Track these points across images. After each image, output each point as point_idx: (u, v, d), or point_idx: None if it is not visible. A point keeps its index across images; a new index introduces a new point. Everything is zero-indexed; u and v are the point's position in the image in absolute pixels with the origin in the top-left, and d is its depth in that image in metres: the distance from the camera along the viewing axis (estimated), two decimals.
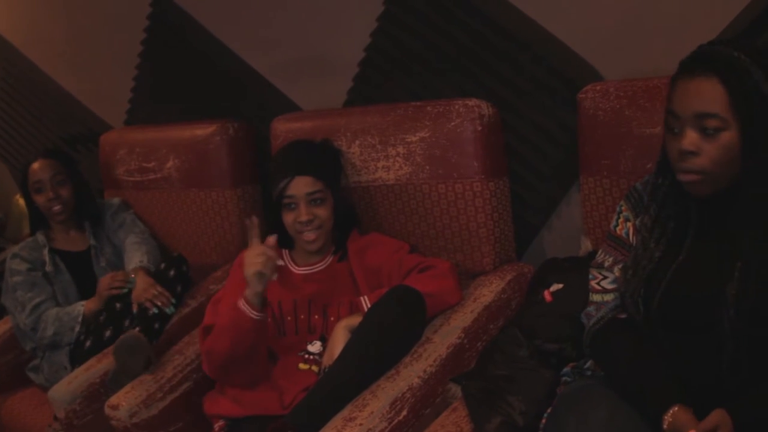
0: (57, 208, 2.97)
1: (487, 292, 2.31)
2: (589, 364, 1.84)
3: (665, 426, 1.51)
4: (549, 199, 2.48)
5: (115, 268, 3.01)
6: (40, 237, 3.02)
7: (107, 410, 2.33)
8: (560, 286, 2.09)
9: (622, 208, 1.81)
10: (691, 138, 1.54)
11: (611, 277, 1.78)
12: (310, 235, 2.31)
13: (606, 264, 1.81)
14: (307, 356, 2.29)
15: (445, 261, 2.36)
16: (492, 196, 2.35)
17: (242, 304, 2.13)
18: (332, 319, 2.31)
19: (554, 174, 2.43)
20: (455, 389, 2.05)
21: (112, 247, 3.09)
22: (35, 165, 2.96)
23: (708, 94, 1.52)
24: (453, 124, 2.34)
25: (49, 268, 2.94)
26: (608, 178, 2.13)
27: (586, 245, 2.23)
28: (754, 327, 1.51)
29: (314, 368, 2.25)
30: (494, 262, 2.41)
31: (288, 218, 2.32)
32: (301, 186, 2.28)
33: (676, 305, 1.62)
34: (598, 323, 1.77)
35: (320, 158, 2.42)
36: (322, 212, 2.32)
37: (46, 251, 2.97)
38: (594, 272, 1.83)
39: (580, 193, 2.22)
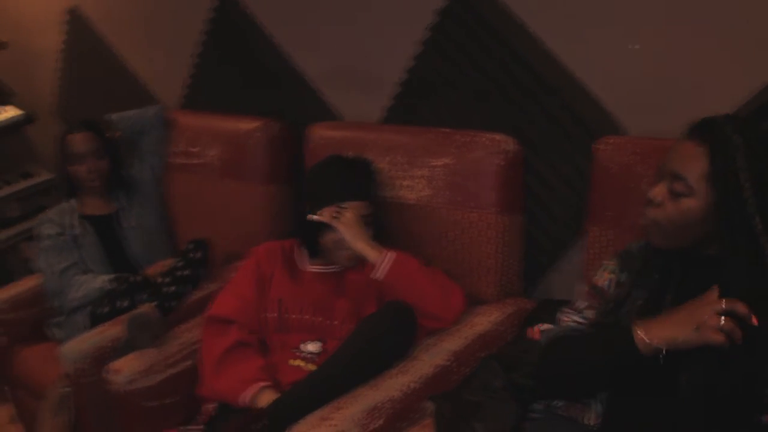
0: (95, 182, 3.12)
1: (485, 321, 2.37)
2: (561, 404, 1.89)
3: (636, 338, 1.54)
4: (560, 242, 2.53)
5: (145, 228, 3.21)
6: (71, 202, 3.16)
7: (108, 373, 2.43)
8: (549, 326, 2.14)
9: (611, 262, 1.86)
10: (659, 190, 1.63)
11: (580, 317, 1.84)
12: (352, 255, 2.39)
13: (580, 307, 1.87)
14: (303, 354, 2.35)
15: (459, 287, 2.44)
16: (503, 230, 2.42)
17: (249, 395, 2.22)
18: (335, 323, 2.38)
19: (568, 219, 2.48)
20: (432, 407, 2.11)
21: (139, 207, 3.26)
22: (75, 137, 3.09)
23: (688, 160, 1.57)
24: (476, 155, 2.41)
25: (77, 231, 3.06)
26: (612, 229, 2.18)
27: (582, 291, 2.27)
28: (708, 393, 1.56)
29: (309, 366, 2.31)
30: (497, 294, 2.48)
31: (333, 236, 2.39)
32: (356, 210, 2.38)
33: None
34: (555, 335, 1.84)
35: (368, 180, 2.51)
36: (369, 232, 2.40)
37: (75, 216, 3.10)
38: (566, 310, 1.88)
39: (584, 239, 2.28)
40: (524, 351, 2.10)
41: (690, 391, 1.56)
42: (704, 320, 1.46)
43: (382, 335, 2.19)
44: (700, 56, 2.08)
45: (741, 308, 1.44)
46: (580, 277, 2.32)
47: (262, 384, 2.23)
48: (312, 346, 2.37)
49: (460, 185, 2.45)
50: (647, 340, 1.53)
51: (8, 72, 4.19)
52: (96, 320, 2.78)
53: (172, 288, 2.71)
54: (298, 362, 2.34)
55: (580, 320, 1.83)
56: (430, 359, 2.21)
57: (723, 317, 1.44)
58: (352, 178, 2.47)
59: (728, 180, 1.53)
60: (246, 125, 3.07)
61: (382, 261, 2.29)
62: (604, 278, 1.84)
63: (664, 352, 1.51)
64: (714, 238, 1.59)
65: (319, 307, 2.42)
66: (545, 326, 2.15)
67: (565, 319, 1.87)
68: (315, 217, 2.35)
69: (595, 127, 2.31)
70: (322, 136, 2.82)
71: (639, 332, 1.54)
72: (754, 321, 1.43)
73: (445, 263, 2.49)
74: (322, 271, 2.51)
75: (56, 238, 3.05)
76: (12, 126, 3.96)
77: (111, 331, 2.66)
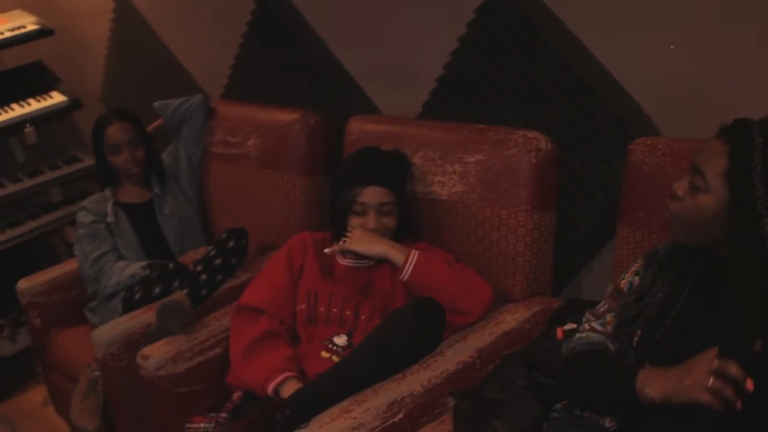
0: (135, 170, 3.15)
1: (511, 319, 2.36)
2: None
3: (637, 386, 1.56)
4: (593, 243, 2.51)
5: (180, 216, 3.25)
6: (107, 191, 3.20)
7: (139, 359, 2.46)
8: (574, 326, 2.12)
9: (637, 263, 1.85)
10: (682, 183, 1.63)
11: (600, 321, 1.83)
12: None
13: (600, 310, 1.85)
14: (331, 346, 2.36)
15: (487, 283, 2.43)
16: (534, 229, 2.40)
17: (273, 384, 2.23)
18: (363, 317, 2.39)
19: (601, 219, 2.45)
20: (452, 403, 2.11)
21: (175, 195, 3.30)
22: (112, 128, 3.11)
23: (710, 156, 1.57)
24: (510, 152, 2.39)
25: (110, 219, 3.09)
26: (641, 231, 2.16)
27: (607, 293, 2.26)
28: None
29: (335, 359, 2.32)
30: (525, 292, 2.46)
31: (355, 222, 2.42)
32: (375, 195, 2.40)
33: (667, 350, 1.66)
34: (574, 349, 1.82)
35: (396, 171, 2.52)
36: (390, 222, 2.43)
37: (110, 204, 3.13)
38: (588, 316, 1.87)
39: (615, 240, 2.26)
40: (548, 350, 2.09)
41: None
42: (695, 378, 1.46)
43: (407, 330, 2.18)
44: (739, 58, 2.05)
45: (734, 370, 1.42)
46: (610, 278, 2.31)
47: (287, 374, 2.24)
48: (338, 339, 2.38)
49: (493, 182, 2.44)
50: (644, 390, 1.55)
51: (55, 58, 4.25)
52: (128, 306, 2.82)
53: (205, 276, 2.73)
54: (328, 354, 2.35)
55: (599, 328, 1.82)
56: (453, 355, 2.21)
57: (712, 377, 1.43)
58: (375, 164, 2.49)
59: (742, 179, 1.52)
60: (285, 116, 3.08)
61: (407, 262, 2.30)
62: (626, 280, 1.83)
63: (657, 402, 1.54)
64: (726, 239, 1.57)
65: (348, 300, 2.43)
66: (569, 326, 2.14)
67: (586, 326, 1.86)
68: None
69: (632, 128, 2.29)
70: (361, 129, 2.83)
71: (640, 378, 1.56)
72: (749, 385, 1.42)
73: (475, 260, 2.48)
74: (353, 265, 2.51)
75: (91, 226, 3.08)
76: (56, 112, 4.00)
77: (142, 317, 2.70)
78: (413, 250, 2.32)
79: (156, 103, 3.35)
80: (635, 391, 1.56)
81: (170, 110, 3.32)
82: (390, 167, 2.50)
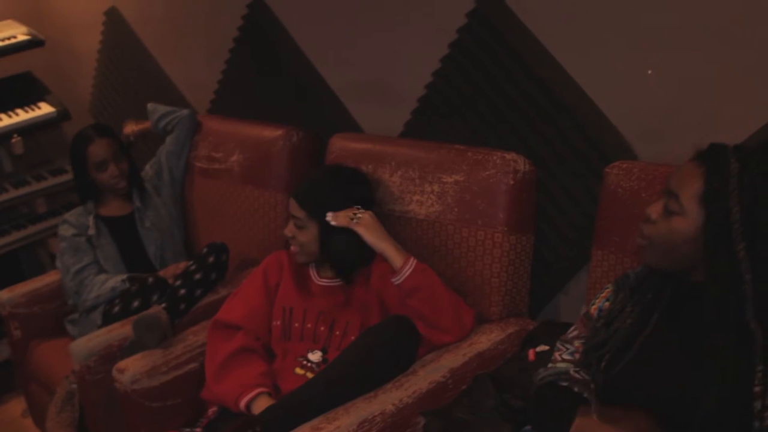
0: (122, 184, 3.15)
1: (485, 339, 2.36)
2: None
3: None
4: (570, 264, 2.51)
5: (161, 229, 3.24)
6: (89, 204, 3.19)
7: (114, 372, 2.45)
8: (546, 348, 2.13)
9: (608, 288, 1.85)
10: (656, 207, 1.64)
11: (571, 349, 1.83)
12: (293, 248, 2.45)
13: (570, 335, 1.85)
14: (305, 362, 2.37)
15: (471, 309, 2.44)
16: (511, 250, 2.40)
17: (246, 400, 2.26)
18: (337, 333, 2.39)
19: (578, 241, 2.46)
20: (422, 423, 2.11)
21: (156, 208, 3.29)
22: (94, 144, 3.09)
23: (685, 179, 1.58)
24: (487, 173, 2.40)
25: (91, 232, 3.09)
26: (615, 254, 2.17)
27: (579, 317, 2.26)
28: None
29: (309, 375, 2.33)
30: (501, 313, 2.46)
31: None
32: (292, 207, 2.43)
33: (635, 374, 1.66)
34: (542, 380, 1.81)
35: (321, 190, 2.45)
36: (302, 237, 2.42)
37: (91, 217, 3.13)
38: (559, 345, 1.87)
39: (590, 263, 2.27)
40: (519, 371, 2.09)
41: None
42: None
43: (380, 348, 2.19)
44: (716, 84, 2.06)
45: None
46: (584, 301, 2.31)
47: (259, 390, 2.25)
48: (313, 356, 2.39)
49: (470, 202, 2.44)
50: None
51: (45, 69, 4.25)
52: (108, 319, 2.81)
53: (184, 291, 2.72)
54: (302, 371, 2.35)
55: (568, 357, 1.82)
56: (426, 374, 2.21)
57: None
58: (304, 180, 2.51)
59: (718, 203, 1.52)
60: (269, 133, 3.09)
61: (405, 265, 2.29)
62: (597, 306, 1.83)
63: None
64: (701, 263, 1.57)
65: (323, 316, 2.44)
66: (542, 348, 2.15)
67: (557, 354, 1.85)
68: (333, 222, 2.36)
69: (610, 151, 2.30)
70: (342, 146, 2.83)
71: (576, 425, 1.60)
72: None
73: (451, 280, 2.48)
74: (328, 284, 2.51)
75: (72, 239, 3.08)
76: (44, 123, 4.00)
77: (120, 330, 2.69)
78: (412, 257, 2.31)
79: (149, 104, 3.38)
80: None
81: (158, 114, 3.33)
82: (313, 185, 2.47)
